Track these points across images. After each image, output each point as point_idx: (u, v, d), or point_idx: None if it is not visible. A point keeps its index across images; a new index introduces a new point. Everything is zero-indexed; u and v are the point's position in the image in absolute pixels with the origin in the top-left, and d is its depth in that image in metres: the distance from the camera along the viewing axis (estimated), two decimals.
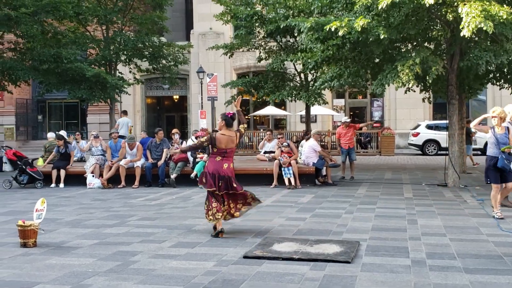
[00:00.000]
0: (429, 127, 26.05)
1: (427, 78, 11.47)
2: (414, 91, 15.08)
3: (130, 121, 21.36)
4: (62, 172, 13.84)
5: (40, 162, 15.24)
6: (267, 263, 5.90)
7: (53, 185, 13.63)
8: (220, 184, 7.41)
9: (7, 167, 14.19)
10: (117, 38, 22.35)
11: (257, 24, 19.55)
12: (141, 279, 5.35)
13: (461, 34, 9.88)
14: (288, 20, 14.45)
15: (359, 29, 10.79)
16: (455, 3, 10.28)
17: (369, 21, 10.86)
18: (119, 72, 23.30)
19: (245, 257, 6.17)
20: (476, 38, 11.87)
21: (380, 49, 12.06)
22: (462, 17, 9.71)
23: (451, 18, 10.81)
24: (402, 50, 12.71)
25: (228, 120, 7.60)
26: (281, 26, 14.94)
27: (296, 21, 13.18)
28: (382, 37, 10.88)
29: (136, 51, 22.72)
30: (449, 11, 10.71)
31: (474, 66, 11.57)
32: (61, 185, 13.65)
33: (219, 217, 7.36)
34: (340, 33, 11.07)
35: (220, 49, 21.41)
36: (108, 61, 22.25)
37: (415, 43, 13.02)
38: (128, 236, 7.50)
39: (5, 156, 14.04)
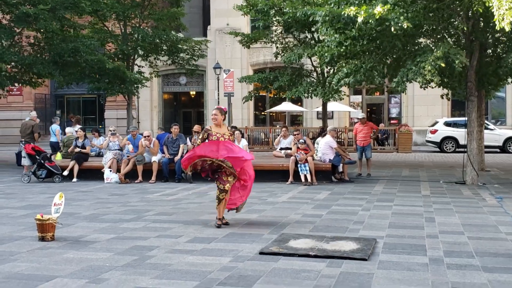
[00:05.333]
0: (447, 124, 25.83)
1: (454, 70, 11.21)
2: (433, 87, 14.89)
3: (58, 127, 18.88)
4: (76, 167, 14.06)
5: (58, 157, 15.41)
6: (283, 260, 5.89)
7: (74, 179, 13.91)
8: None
9: (26, 161, 14.33)
10: (134, 33, 22.45)
11: (274, 19, 19.52)
12: (158, 274, 5.37)
13: (497, 28, 9.43)
14: (305, 8, 14.39)
15: (377, 17, 10.48)
16: None
17: (390, 7, 10.45)
18: (137, 65, 23.38)
19: (261, 253, 6.17)
20: (499, 35, 11.66)
21: (400, 42, 11.78)
22: (493, 10, 9.12)
23: (480, 10, 10.40)
24: (422, 45, 12.50)
25: None
26: (297, 15, 14.91)
27: (312, 10, 13.03)
28: (405, 26, 10.43)
29: (153, 46, 22.82)
30: (475, 2, 10.35)
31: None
32: (74, 179, 13.91)
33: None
34: (359, 20, 10.62)
35: (237, 45, 21.43)
36: (126, 56, 22.37)
37: (433, 39, 12.82)
38: (145, 231, 7.54)
39: (24, 150, 14.19)
